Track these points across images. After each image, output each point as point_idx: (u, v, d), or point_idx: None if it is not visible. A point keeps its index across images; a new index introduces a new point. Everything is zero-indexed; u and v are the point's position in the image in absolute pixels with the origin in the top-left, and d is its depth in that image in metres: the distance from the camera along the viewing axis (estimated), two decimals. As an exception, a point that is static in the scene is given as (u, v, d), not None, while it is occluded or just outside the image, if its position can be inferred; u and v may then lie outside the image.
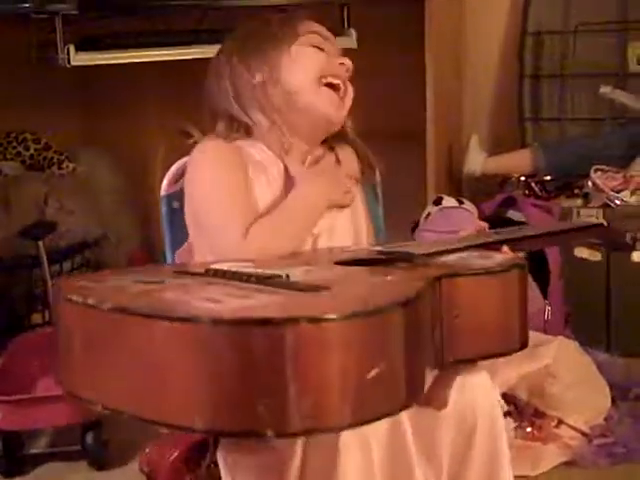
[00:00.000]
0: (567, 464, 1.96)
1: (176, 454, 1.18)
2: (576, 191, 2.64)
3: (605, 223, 1.40)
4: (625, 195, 2.44)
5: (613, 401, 2.12)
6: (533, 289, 2.31)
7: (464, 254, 1.18)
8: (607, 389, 2.12)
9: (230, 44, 1.43)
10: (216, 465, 1.14)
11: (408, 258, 1.15)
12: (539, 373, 2.04)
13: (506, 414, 1.94)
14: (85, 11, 2.41)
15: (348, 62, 1.40)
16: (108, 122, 2.93)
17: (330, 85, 1.38)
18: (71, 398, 0.99)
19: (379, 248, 1.27)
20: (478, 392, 1.17)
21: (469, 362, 1.14)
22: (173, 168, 1.51)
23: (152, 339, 0.88)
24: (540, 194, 2.69)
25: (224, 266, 1.08)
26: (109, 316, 0.92)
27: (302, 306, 0.93)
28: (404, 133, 2.72)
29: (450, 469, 1.17)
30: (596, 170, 2.52)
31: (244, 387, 0.84)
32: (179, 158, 1.50)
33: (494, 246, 1.24)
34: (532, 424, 2.03)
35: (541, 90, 3.01)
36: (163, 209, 1.49)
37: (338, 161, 1.42)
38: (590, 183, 2.52)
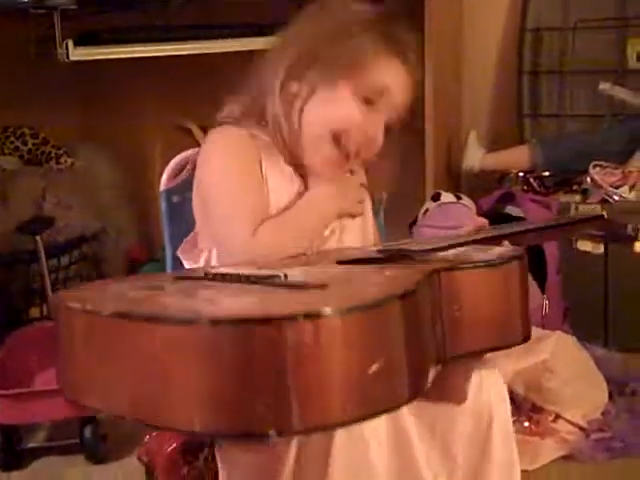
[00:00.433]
0: (565, 458, 1.97)
1: (174, 445, 1.18)
2: (575, 187, 2.64)
3: (605, 215, 1.40)
4: (624, 191, 2.44)
5: (610, 396, 2.12)
6: (531, 285, 2.31)
7: (463, 249, 1.17)
8: (604, 384, 2.12)
9: (315, 31, 1.30)
10: (214, 458, 1.14)
11: (407, 255, 1.14)
12: (537, 368, 2.04)
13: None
14: (84, 6, 2.41)
15: (379, 142, 1.29)
16: (106, 117, 2.92)
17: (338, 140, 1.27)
18: (74, 405, 0.98)
19: (378, 247, 1.26)
20: (493, 392, 1.17)
21: (475, 355, 1.13)
22: (172, 163, 1.49)
23: (152, 343, 0.87)
24: (539, 190, 2.69)
25: (222, 270, 1.08)
26: (109, 322, 0.91)
27: (300, 303, 0.92)
28: (402, 129, 2.71)
29: (466, 465, 1.16)
30: (595, 166, 2.52)
31: (244, 388, 0.83)
32: (178, 153, 1.50)
33: (494, 241, 1.24)
34: (530, 419, 2.03)
35: (540, 86, 3.01)
36: (162, 204, 1.48)
37: (351, 170, 1.37)
38: (589, 179, 2.52)
